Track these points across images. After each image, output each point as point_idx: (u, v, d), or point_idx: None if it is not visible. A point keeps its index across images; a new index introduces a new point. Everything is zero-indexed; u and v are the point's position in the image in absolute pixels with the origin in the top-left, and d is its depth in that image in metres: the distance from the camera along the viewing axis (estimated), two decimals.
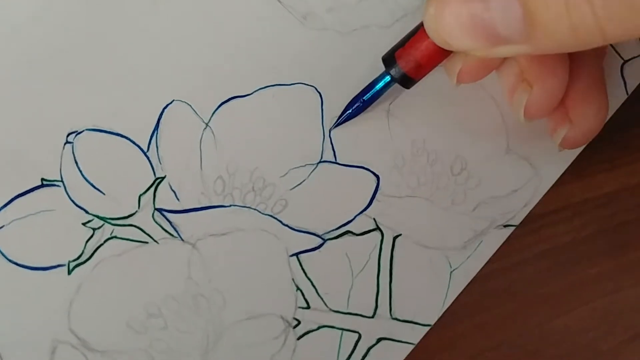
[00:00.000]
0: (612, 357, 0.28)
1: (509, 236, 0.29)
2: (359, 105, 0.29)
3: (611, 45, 0.31)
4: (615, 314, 0.29)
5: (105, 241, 0.27)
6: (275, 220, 0.28)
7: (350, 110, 0.29)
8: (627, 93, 0.31)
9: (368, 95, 0.28)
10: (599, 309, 0.29)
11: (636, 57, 0.31)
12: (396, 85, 0.27)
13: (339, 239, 0.28)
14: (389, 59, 0.27)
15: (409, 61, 0.26)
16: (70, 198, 0.27)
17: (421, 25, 0.25)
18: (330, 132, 0.29)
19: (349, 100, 0.29)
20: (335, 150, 0.29)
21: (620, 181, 0.31)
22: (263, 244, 0.27)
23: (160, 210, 0.27)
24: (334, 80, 0.30)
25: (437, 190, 0.29)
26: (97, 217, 0.27)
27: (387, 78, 0.28)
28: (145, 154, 0.28)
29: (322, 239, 0.28)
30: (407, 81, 0.27)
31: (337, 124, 0.29)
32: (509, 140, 0.30)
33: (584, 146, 0.30)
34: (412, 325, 0.27)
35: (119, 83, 0.29)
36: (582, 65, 0.26)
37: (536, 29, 0.21)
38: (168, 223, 0.27)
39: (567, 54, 0.25)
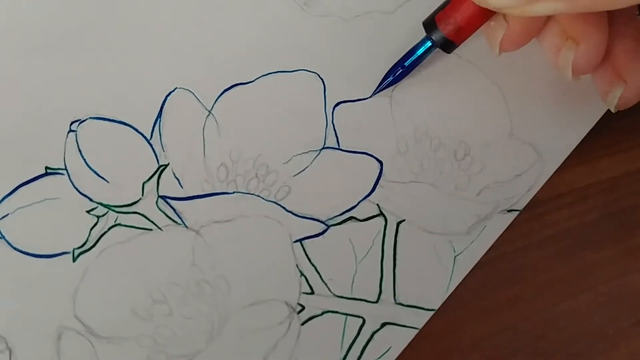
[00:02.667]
0: (617, 342, 0.28)
1: (513, 221, 0.29)
2: (400, 71, 0.29)
3: None
4: (620, 298, 0.29)
5: (109, 228, 0.27)
6: (278, 207, 0.28)
7: (391, 77, 0.29)
8: None
9: (409, 61, 0.28)
10: (604, 294, 0.29)
11: None
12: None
13: (343, 225, 0.28)
14: (430, 24, 0.27)
15: (449, 24, 0.26)
16: (74, 186, 0.27)
17: None
18: (370, 97, 0.29)
19: (387, 69, 0.29)
20: (338, 136, 0.29)
21: (624, 165, 0.31)
22: (267, 230, 0.27)
23: (164, 197, 0.27)
24: (336, 66, 0.30)
25: (440, 175, 0.29)
26: (101, 204, 0.27)
27: (428, 43, 0.28)
28: (148, 141, 0.28)
29: (326, 224, 0.28)
30: (448, 45, 0.27)
31: (378, 90, 0.29)
32: (512, 125, 0.30)
33: (592, 126, 0.30)
34: (416, 310, 0.27)
35: (122, 71, 0.29)
36: (624, 23, 0.26)
37: None
38: (172, 210, 0.27)
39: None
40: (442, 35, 0.27)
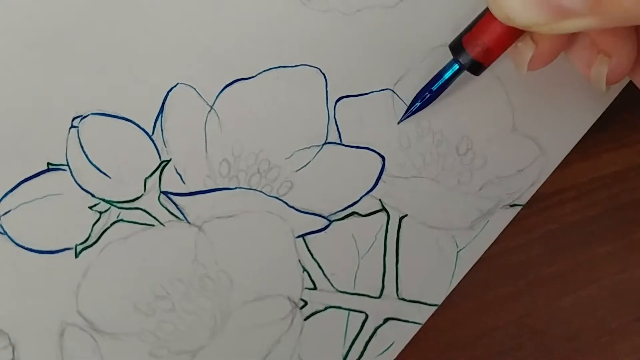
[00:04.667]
0: (620, 336, 0.28)
1: (516, 216, 0.29)
2: (427, 95, 0.28)
3: None
4: (623, 293, 0.29)
5: (111, 224, 0.27)
6: (281, 202, 0.28)
7: (419, 102, 0.28)
8: None
9: (436, 85, 0.28)
10: (607, 288, 0.29)
11: None
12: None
13: (345, 220, 0.28)
14: (457, 47, 0.26)
15: (477, 45, 0.25)
16: (76, 182, 0.27)
17: (487, 9, 0.25)
18: (400, 122, 0.29)
19: (416, 92, 0.28)
20: (340, 131, 0.29)
21: (627, 160, 0.31)
22: (269, 225, 0.27)
23: (166, 193, 0.27)
24: (338, 61, 0.30)
25: (442, 170, 0.29)
26: (104, 200, 0.27)
27: (456, 66, 0.27)
28: (150, 137, 0.28)
29: (328, 220, 0.28)
30: (476, 68, 0.26)
31: (405, 117, 0.29)
32: (514, 119, 0.30)
33: (594, 120, 0.30)
34: (419, 305, 0.27)
35: (124, 67, 0.29)
36: None
37: (601, 0, 0.20)
38: (174, 206, 0.27)
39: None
40: (470, 57, 0.26)
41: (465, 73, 0.27)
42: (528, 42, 0.26)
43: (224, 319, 0.26)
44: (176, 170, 0.28)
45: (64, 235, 0.27)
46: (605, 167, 0.30)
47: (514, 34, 0.25)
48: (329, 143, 0.29)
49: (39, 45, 0.28)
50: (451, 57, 0.27)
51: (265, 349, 0.26)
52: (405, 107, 0.29)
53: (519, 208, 0.29)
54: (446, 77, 0.28)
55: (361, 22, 0.30)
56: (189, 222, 0.27)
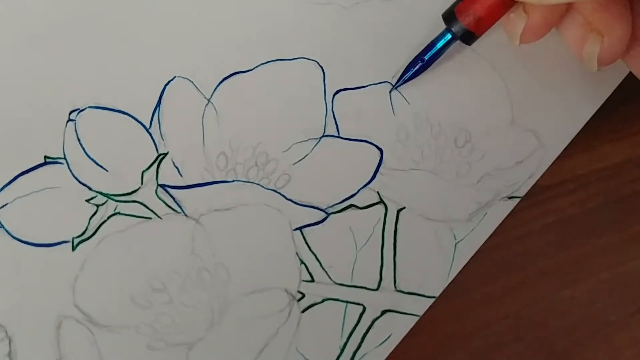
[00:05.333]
0: (619, 328, 0.28)
1: (515, 209, 0.29)
2: (419, 64, 0.28)
3: None
4: (622, 285, 0.29)
5: (109, 217, 0.27)
6: (278, 195, 0.28)
7: (411, 71, 0.28)
8: None
9: (429, 54, 0.28)
10: (606, 281, 0.29)
11: None
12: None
13: (343, 213, 0.28)
14: (449, 16, 0.27)
15: (469, 15, 0.26)
16: (73, 175, 0.27)
17: None
18: (390, 92, 0.29)
19: (409, 61, 0.28)
20: (338, 124, 0.29)
21: (625, 152, 0.31)
22: (266, 218, 0.27)
23: (163, 186, 0.27)
24: (336, 54, 0.30)
25: (441, 163, 0.29)
26: (101, 193, 0.27)
27: (448, 36, 0.27)
28: (147, 130, 0.28)
29: (326, 212, 0.28)
30: (468, 37, 0.27)
31: (397, 85, 0.29)
32: (513, 111, 0.30)
33: (593, 113, 0.30)
34: (416, 297, 0.27)
35: (121, 60, 0.29)
36: None
37: None
38: (171, 199, 0.27)
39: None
40: (462, 26, 0.26)
41: (459, 44, 0.27)
42: (520, 13, 0.26)
43: (222, 311, 0.26)
44: (173, 163, 0.28)
45: (61, 228, 0.26)
46: (604, 159, 0.30)
47: (506, 4, 0.25)
48: (327, 136, 0.29)
49: (36, 39, 0.28)
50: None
51: (262, 341, 0.26)
52: (404, 100, 0.29)
53: (518, 200, 0.29)
54: (438, 47, 0.28)
55: (359, 15, 0.30)
56: (186, 215, 0.27)
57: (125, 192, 0.27)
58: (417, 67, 0.28)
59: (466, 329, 0.27)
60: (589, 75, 0.29)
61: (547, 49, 0.30)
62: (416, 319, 0.27)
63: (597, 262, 0.29)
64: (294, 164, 0.28)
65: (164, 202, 0.27)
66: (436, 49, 0.28)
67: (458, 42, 0.27)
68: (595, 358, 0.28)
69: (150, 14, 0.29)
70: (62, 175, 0.27)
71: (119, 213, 0.27)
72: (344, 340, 0.26)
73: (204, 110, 0.28)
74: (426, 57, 0.28)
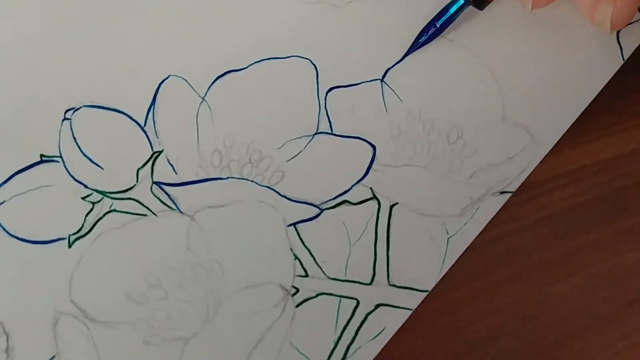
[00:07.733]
0: (610, 322, 0.28)
1: (507, 203, 0.29)
2: (433, 30, 0.28)
3: None
4: (613, 279, 0.29)
5: (104, 214, 0.27)
6: (272, 191, 0.28)
7: (425, 36, 0.29)
8: (623, 59, 0.31)
9: (442, 20, 0.28)
10: (598, 275, 0.29)
11: (634, 22, 0.31)
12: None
13: (336, 209, 0.28)
14: None
15: None
16: (69, 173, 0.27)
17: None
18: (403, 57, 0.29)
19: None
20: (331, 121, 0.29)
21: (617, 147, 0.31)
22: (261, 214, 0.28)
23: (158, 183, 0.28)
24: (329, 52, 0.30)
25: (433, 158, 0.29)
26: (96, 191, 0.27)
27: (461, 1, 0.28)
28: (142, 128, 0.28)
29: (319, 208, 0.28)
30: (480, 1, 0.27)
31: (411, 50, 0.29)
32: (505, 107, 0.30)
33: (584, 108, 0.30)
34: (409, 291, 0.27)
35: (116, 59, 0.29)
36: None
37: None
38: (166, 196, 0.27)
39: None
40: None
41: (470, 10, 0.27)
42: None
43: (217, 306, 0.26)
44: (168, 160, 0.28)
45: (57, 225, 0.27)
46: (596, 154, 0.31)
47: None
48: (320, 133, 0.29)
49: (31, 38, 0.28)
50: None
51: (257, 336, 0.26)
52: (396, 97, 0.29)
53: (509, 195, 0.29)
54: (451, 12, 0.28)
55: (352, 14, 0.31)
56: (181, 212, 0.27)
57: (120, 189, 0.27)
58: (430, 32, 0.28)
59: (458, 323, 0.28)
60: (579, 71, 0.29)
61: (538, 46, 0.30)
62: (409, 312, 0.27)
63: (588, 257, 0.29)
64: (287, 160, 0.28)
65: (159, 199, 0.27)
66: (449, 14, 0.28)
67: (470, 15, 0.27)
68: (587, 351, 0.28)
69: (145, 14, 0.29)
70: (58, 173, 0.27)
71: (114, 210, 0.27)
72: (338, 334, 0.26)
73: (198, 108, 0.29)
74: (439, 23, 0.28)
